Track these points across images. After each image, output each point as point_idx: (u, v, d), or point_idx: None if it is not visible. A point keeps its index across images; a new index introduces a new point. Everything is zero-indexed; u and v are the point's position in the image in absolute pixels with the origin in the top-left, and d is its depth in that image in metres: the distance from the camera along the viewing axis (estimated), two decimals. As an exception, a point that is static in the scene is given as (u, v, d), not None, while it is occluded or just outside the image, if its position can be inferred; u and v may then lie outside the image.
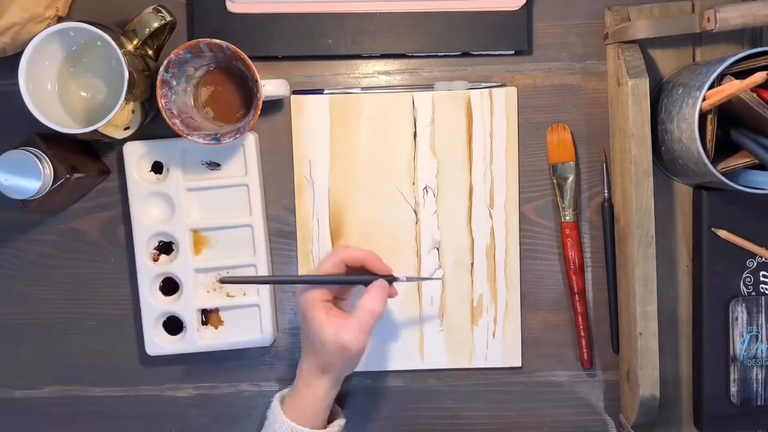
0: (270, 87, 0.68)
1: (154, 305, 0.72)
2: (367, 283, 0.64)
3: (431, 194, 0.73)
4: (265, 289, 0.72)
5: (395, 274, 0.66)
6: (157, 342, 0.72)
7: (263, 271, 0.72)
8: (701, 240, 0.70)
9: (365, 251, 0.65)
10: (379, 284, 0.64)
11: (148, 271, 0.72)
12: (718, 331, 0.70)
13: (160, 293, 0.73)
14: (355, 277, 0.66)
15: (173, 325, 0.73)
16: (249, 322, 0.73)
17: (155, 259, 0.73)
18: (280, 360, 0.75)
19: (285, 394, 0.68)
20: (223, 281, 0.64)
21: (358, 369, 0.74)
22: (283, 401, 0.66)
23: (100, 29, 0.62)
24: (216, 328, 0.73)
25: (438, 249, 0.73)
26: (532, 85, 0.73)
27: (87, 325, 0.75)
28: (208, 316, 0.73)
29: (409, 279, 0.69)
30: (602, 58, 0.73)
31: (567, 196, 0.73)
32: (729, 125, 0.64)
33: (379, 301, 0.63)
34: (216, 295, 0.73)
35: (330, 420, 0.68)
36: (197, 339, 0.72)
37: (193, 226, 0.72)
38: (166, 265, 0.72)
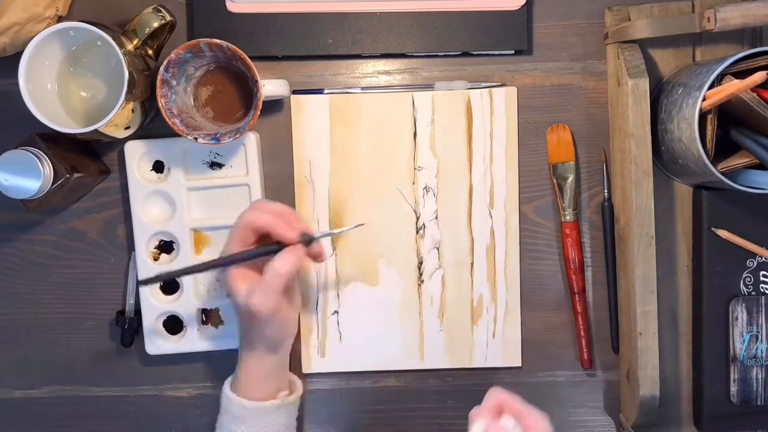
0: (270, 87, 0.68)
1: (154, 305, 0.72)
2: (275, 252, 0.62)
3: (431, 194, 0.73)
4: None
5: (312, 233, 0.63)
6: (158, 342, 0.72)
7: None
8: (701, 240, 0.70)
9: (270, 215, 0.62)
10: (290, 248, 0.61)
11: (149, 271, 0.72)
12: (718, 331, 0.70)
13: (160, 292, 0.73)
14: (261, 249, 0.63)
15: (173, 325, 0.73)
16: (249, 322, 0.73)
17: (156, 258, 0.73)
18: (280, 360, 0.75)
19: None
20: (142, 282, 0.63)
21: (358, 369, 0.74)
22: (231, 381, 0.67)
23: (100, 29, 0.62)
24: (216, 327, 0.73)
25: (438, 249, 0.73)
26: (532, 85, 0.73)
27: (87, 325, 0.75)
28: (208, 316, 0.73)
29: (324, 235, 0.66)
30: (602, 58, 0.73)
31: (567, 196, 0.73)
32: (729, 125, 0.64)
33: (288, 261, 0.60)
34: (216, 294, 0.73)
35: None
36: (197, 338, 0.72)
37: (194, 225, 0.72)
38: (167, 265, 0.72)
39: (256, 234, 0.63)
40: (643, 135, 0.66)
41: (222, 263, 0.62)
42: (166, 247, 0.73)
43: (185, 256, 0.72)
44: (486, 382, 0.75)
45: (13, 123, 0.69)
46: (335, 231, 0.69)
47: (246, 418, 0.65)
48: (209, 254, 0.73)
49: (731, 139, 0.64)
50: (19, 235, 0.74)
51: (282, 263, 0.60)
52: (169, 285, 0.73)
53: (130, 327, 0.73)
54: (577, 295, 0.73)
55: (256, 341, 0.64)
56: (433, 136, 0.73)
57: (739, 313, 0.70)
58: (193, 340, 0.72)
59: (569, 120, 0.73)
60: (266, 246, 0.63)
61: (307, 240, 0.63)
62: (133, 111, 0.66)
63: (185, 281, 0.72)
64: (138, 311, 0.73)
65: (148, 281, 0.64)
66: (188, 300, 0.72)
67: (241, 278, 0.62)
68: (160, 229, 0.72)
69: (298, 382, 0.70)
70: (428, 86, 0.73)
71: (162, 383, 0.75)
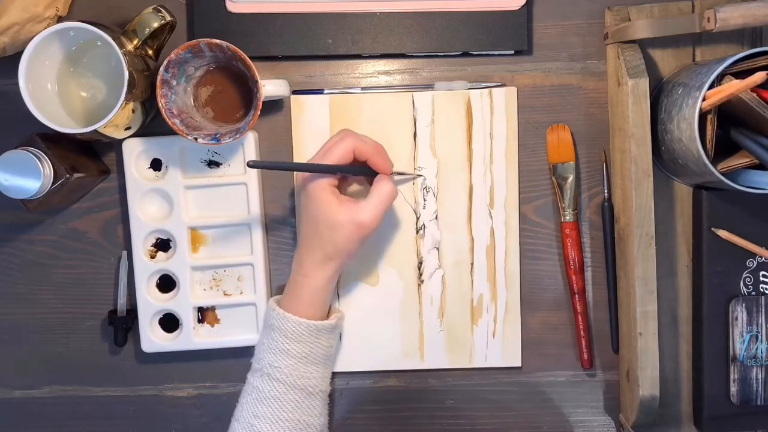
0: (270, 87, 0.68)
1: (150, 302, 0.72)
2: (369, 175, 0.68)
3: (431, 194, 0.73)
4: (262, 288, 0.72)
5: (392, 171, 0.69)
6: (153, 339, 0.72)
7: (261, 271, 0.72)
8: (701, 240, 0.70)
9: (372, 146, 0.66)
10: (388, 178, 0.67)
11: (145, 268, 0.72)
12: (718, 331, 0.70)
13: (156, 290, 0.73)
14: (361, 169, 0.68)
15: (169, 323, 0.73)
16: (245, 321, 0.73)
17: (152, 256, 0.73)
18: (280, 360, 0.75)
19: (280, 297, 0.69)
20: (249, 165, 0.63)
21: (358, 369, 0.74)
22: (279, 301, 0.68)
23: (100, 29, 0.62)
24: (212, 326, 0.73)
25: (438, 249, 0.73)
26: (532, 85, 0.73)
27: (87, 325, 0.75)
28: (204, 314, 0.73)
29: (398, 173, 0.72)
30: (602, 58, 0.73)
31: (567, 196, 0.73)
32: (729, 125, 0.64)
33: (395, 188, 0.66)
34: (212, 293, 0.73)
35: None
36: (193, 337, 0.72)
37: (191, 223, 0.72)
38: (164, 263, 0.72)
39: (352, 156, 0.66)
40: (643, 135, 0.66)
41: (326, 170, 0.65)
42: (162, 245, 0.73)
43: (182, 255, 0.72)
44: (486, 382, 0.75)
45: (13, 123, 0.69)
46: (405, 175, 0.72)
47: (303, 337, 0.66)
48: (206, 253, 0.73)
49: (731, 139, 0.64)
50: (19, 235, 0.74)
51: (393, 188, 0.66)
52: (166, 283, 0.73)
53: (121, 326, 0.73)
54: (577, 295, 0.73)
55: (339, 256, 0.66)
56: (433, 136, 0.73)
57: (739, 313, 0.70)
58: (189, 338, 0.72)
59: (569, 120, 0.73)
60: (364, 168, 0.67)
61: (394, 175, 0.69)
62: (133, 111, 0.66)
63: (182, 280, 0.72)
64: (129, 310, 0.73)
65: (256, 165, 0.65)
66: (185, 298, 0.72)
67: (331, 192, 0.65)
68: (157, 227, 0.72)
69: (338, 308, 0.73)
70: (428, 86, 0.73)
71: (162, 383, 0.75)
